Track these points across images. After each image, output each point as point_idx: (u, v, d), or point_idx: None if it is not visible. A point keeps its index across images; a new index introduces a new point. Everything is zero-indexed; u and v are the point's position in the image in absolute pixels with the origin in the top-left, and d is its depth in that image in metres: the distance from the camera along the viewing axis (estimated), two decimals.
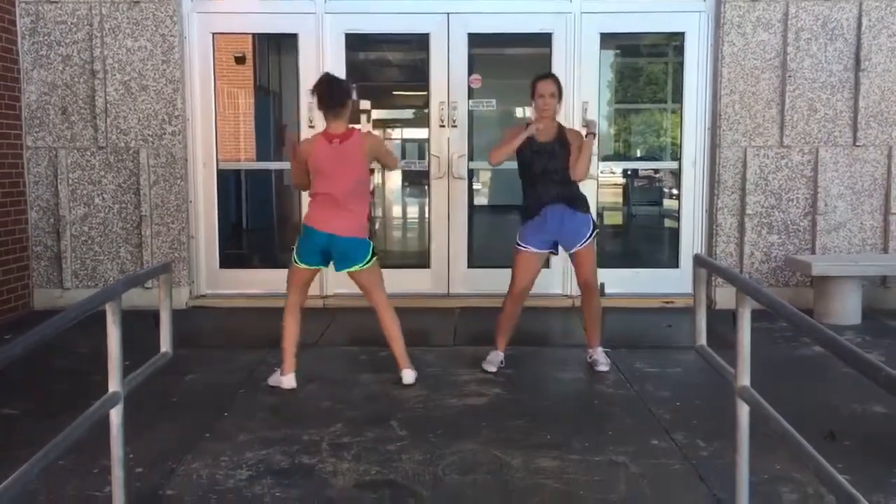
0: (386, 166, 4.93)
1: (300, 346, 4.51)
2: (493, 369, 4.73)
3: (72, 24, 6.34)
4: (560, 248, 4.75)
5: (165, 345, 2.90)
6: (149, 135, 6.42)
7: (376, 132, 8.67)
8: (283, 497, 3.01)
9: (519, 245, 4.68)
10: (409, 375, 4.50)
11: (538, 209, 4.62)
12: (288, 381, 4.42)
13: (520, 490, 3.07)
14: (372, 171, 4.83)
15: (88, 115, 6.41)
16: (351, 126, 4.41)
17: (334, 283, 6.57)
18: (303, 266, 4.40)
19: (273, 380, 4.48)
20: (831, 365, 4.69)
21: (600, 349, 4.86)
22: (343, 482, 3.15)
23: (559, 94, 4.67)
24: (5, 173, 6.14)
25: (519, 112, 7.82)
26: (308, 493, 3.04)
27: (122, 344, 2.42)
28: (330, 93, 4.33)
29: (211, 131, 6.69)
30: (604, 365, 4.76)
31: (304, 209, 4.64)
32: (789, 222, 6.47)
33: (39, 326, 2.00)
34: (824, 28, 6.31)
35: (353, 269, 4.41)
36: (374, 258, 4.43)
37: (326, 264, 4.49)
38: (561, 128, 4.72)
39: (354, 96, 4.35)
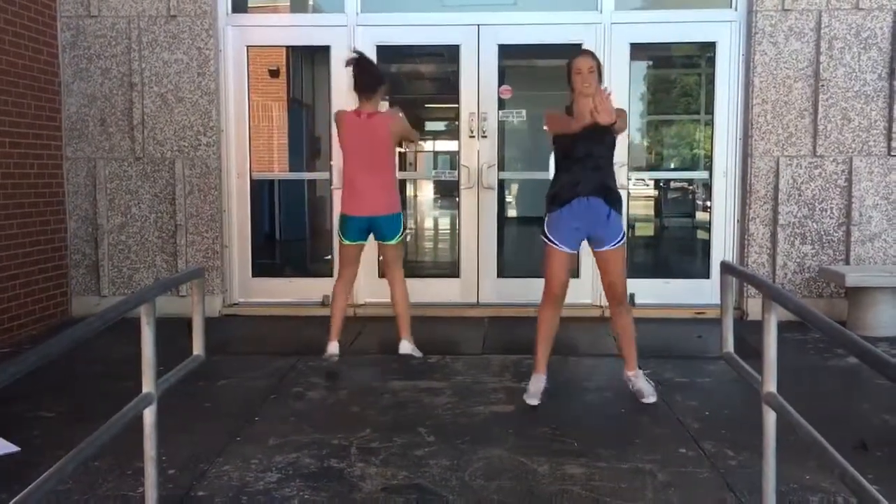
0: (410, 141, 5.61)
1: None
2: (536, 402, 4.17)
3: (111, 37, 6.50)
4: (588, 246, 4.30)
5: (198, 348, 2.95)
6: (184, 146, 6.54)
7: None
8: (311, 499, 3.05)
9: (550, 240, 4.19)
10: (405, 346, 5.07)
11: (570, 199, 4.13)
12: (332, 347, 4.94)
13: (545, 496, 3.07)
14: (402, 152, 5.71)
15: (126, 127, 6.55)
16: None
17: (365, 292, 6.64)
18: (347, 242, 4.98)
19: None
20: (864, 376, 4.66)
21: (641, 374, 4.39)
22: (371, 486, 3.18)
23: (598, 70, 4.15)
24: (45, 183, 6.30)
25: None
26: (336, 496, 3.08)
27: (155, 347, 2.48)
28: (364, 78, 4.93)
29: (245, 142, 6.80)
30: (651, 396, 4.21)
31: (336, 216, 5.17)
32: (823, 233, 6.40)
33: (75, 327, 2.06)
34: (858, 37, 6.25)
35: (385, 243, 5.04)
36: (402, 233, 4.99)
37: (366, 238, 5.05)
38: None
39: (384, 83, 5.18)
